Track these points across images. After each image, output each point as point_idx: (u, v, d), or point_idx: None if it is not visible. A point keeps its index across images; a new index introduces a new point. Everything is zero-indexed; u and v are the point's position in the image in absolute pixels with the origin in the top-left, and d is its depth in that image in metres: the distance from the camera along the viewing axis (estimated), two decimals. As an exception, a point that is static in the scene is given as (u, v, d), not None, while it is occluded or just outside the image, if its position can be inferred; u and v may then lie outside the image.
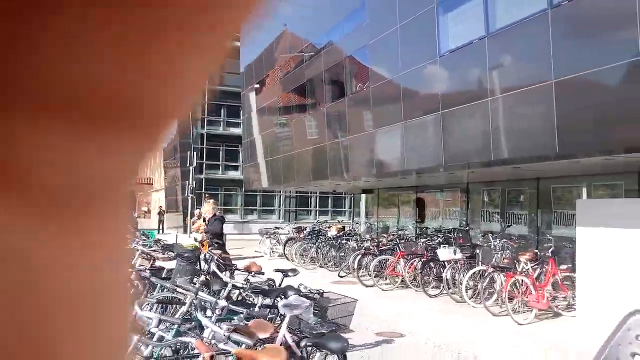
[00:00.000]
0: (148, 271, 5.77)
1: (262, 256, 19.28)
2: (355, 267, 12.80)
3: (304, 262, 16.27)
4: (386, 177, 14.32)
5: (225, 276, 6.71)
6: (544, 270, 9.55)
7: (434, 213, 16.52)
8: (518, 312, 9.19)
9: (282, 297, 5.05)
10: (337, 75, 14.91)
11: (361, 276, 12.75)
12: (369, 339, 7.68)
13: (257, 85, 25.74)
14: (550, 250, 9.64)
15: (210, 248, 9.15)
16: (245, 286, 6.10)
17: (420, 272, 11.41)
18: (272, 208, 35.66)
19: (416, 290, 11.71)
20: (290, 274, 7.18)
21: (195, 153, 31.49)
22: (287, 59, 18.94)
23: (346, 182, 16.77)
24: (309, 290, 7.06)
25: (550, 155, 8.14)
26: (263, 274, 7.58)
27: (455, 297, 10.65)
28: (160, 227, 34.33)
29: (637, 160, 8.45)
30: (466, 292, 10.21)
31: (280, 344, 3.99)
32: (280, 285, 6.75)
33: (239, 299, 5.85)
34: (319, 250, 15.72)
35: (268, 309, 4.99)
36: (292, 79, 18.67)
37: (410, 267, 11.96)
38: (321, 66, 15.65)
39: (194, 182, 31.36)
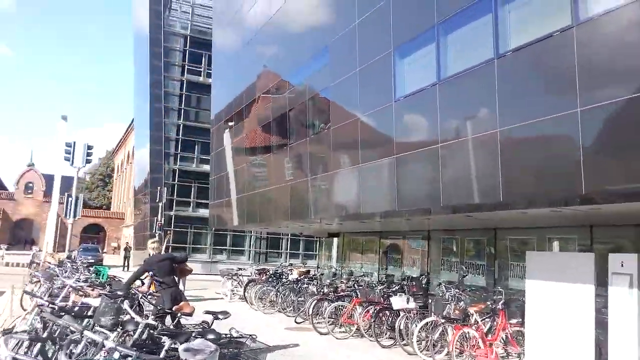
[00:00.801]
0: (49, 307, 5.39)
1: (222, 298, 18.73)
2: (311, 312, 12.37)
3: (263, 306, 15.79)
4: (345, 220, 14.07)
5: (137, 316, 6.28)
6: (494, 323, 9.27)
7: (396, 260, 16.24)
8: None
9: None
10: (301, 114, 14.83)
11: (317, 323, 12.32)
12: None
13: (231, 123, 25.63)
14: (500, 303, 9.37)
15: (157, 289, 8.74)
16: (158, 327, 5.70)
17: (374, 321, 11.04)
18: (242, 249, 35.05)
19: (370, 340, 11.29)
20: (220, 316, 6.81)
21: (165, 189, 31.03)
22: (260, 96, 18.84)
23: (308, 224, 16.47)
24: (241, 334, 6.69)
25: (495, 204, 8.00)
26: (190, 315, 7.19)
27: (408, 348, 10.26)
28: (126, 263, 33.41)
29: (584, 214, 8.35)
30: (418, 343, 9.84)
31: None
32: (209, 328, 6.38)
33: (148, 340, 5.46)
34: (278, 293, 15.27)
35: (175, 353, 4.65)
36: (263, 117, 18.52)
37: (366, 315, 11.60)
38: (286, 105, 15.59)
39: (162, 219, 30.89)
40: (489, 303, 9.86)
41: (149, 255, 8.85)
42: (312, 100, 14.08)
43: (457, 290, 10.74)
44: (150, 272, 8.59)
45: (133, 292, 9.17)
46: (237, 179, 20.69)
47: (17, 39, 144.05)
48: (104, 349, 3.90)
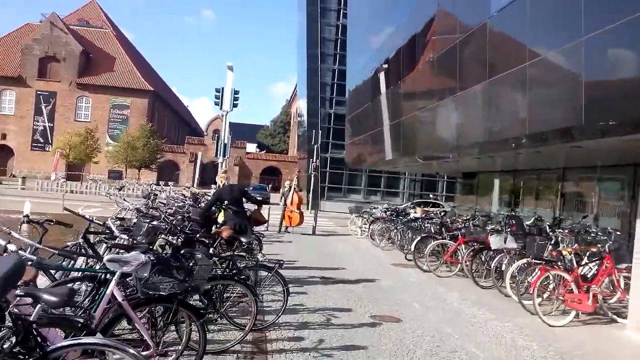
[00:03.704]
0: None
1: (349, 234, 19.14)
2: (413, 249, 12.05)
3: (383, 243, 15.80)
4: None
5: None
6: (595, 267, 8.05)
7: (528, 200, 14.81)
8: (553, 313, 7.88)
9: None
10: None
11: (419, 259, 12.00)
12: (357, 320, 7.20)
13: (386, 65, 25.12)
14: (607, 245, 8.06)
15: (227, 217, 9.20)
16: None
17: (471, 261, 10.36)
18: (396, 190, 35.02)
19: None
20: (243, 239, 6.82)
21: (320, 132, 32.06)
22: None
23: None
24: (268, 260, 6.82)
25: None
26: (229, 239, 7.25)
27: (505, 290, 9.45)
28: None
29: None
30: (512, 286, 9.02)
31: (108, 302, 3.90)
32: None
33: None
34: (396, 231, 15.10)
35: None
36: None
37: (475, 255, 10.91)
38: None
39: (318, 161, 32.03)
40: (599, 246, 8.56)
41: (219, 186, 9.29)
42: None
43: (560, 230, 9.46)
44: (225, 202, 8.97)
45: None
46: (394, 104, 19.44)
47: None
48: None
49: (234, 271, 6.09)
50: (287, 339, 6.13)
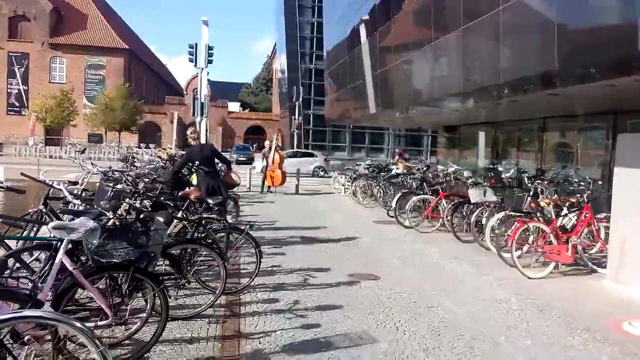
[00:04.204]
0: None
1: (333, 193, 18.99)
2: (394, 206, 11.93)
3: (365, 200, 15.69)
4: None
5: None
6: (575, 218, 7.98)
7: (509, 153, 14.69)
8: (533, 265, 7.85)
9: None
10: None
11: (400, 215, 11.89)
12: (334, 279, 7.09)
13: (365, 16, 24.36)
14: (585, 195, 7.96)
15: (199, 178, 8.90)
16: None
17: (451, 215, 10.27)
18: (380, 146, 34.83)
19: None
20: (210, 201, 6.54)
21: (302, 89, 31.48)
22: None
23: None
24: (237, 222, 6.60)
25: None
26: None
27: (486, 244, 9.39)
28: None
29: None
30: (490, 239, 8.96)
31: (57, 272, 3.67)
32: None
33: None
34: (378, 187, 14.96)
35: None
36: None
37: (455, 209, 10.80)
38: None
39: (300, 118, 31.60)
40: (578, 196, 8.48)
41: (190, 145, 8.96)
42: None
43: (538, 181, 9.35)
44: (196, 162, 8.64)
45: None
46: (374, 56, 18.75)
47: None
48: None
49: (203, 234, 5.90)
50: (262, 301, 5.99)
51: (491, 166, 12.36)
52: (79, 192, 6.30)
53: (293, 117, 31.66)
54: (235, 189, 17.38)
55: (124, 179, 6.42)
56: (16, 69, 56.27)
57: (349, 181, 18.04)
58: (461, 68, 11.16)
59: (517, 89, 8.93)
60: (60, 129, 51.45)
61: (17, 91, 56.62)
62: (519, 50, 9.03)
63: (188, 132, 8.93)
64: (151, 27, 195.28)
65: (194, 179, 9.94)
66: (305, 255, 8.50)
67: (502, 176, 10.79)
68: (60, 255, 3.63)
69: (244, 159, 33.89)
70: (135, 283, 3.94)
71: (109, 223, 4.28)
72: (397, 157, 19.00)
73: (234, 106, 71.58)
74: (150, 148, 29.62)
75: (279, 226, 11.37)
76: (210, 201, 6.41)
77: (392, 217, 12.54)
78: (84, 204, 5.25)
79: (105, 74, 58.21)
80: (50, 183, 5.86)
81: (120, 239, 3.86)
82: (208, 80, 73.35)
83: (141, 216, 4.43)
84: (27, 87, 56.32)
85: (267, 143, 19.35)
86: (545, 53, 8.05)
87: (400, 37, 15.32)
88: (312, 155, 28.91)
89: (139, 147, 27.31)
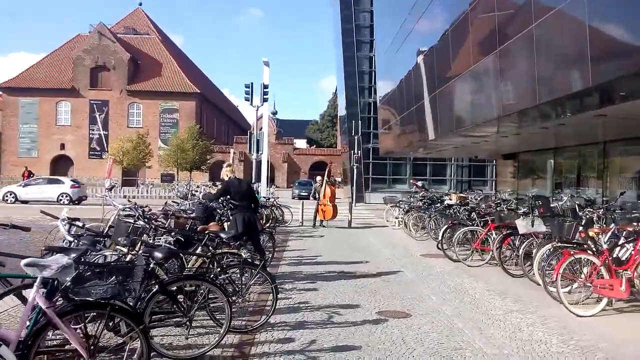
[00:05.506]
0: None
1: (386, 226, 18.54)
2: (440, 238, 11.40)
3: (417, 232, 15.17)
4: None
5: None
6: (630, 248, 7.22)
7: (570, 180, 13.74)
8: (582, 302, 7.14)
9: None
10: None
11: (447, 249, 11.36)
12: (361, 317, 6.74)
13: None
14: (641, 224, 7.21)
15: (232, 212, 8.91)
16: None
17: (499, 247, 9.64)
18: (443, 178, 33.91)
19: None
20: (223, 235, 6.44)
21: (360, 122, 31.42)
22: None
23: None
24: (251, 257, 6.45)
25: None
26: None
27: (535, 278, 8.69)
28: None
29: None
30: (539, 273, 8.28)
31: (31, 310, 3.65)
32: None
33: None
34: (429, 219, 14.43)
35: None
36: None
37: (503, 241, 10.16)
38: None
39: (360, 152, 31.46)
40: (635, 224, 7.70)
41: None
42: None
43: (590, 210, 8.57)
44: (228, 196, 8.64)
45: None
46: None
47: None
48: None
49: (218, 269, 5.79)
50: (276, 340, 5.74)
51: (539, 194, 11.57)
52: (102, 229, 6.40)
53: (352, 151, 31.57)
54: (287, 224, 17.52)
55: (137, 214, 6.47)
56: (97, 116, 60.17)
57: (402, 214, 17.56)
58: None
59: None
60: (136, 171, 54.10)
61: (97, 136, 60.40)
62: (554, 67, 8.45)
63: (224, 169, 8.90)
64: (223, 71, 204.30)
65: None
66: (337, 291, 8.19)
67: (552, 205, 10.05)
68: (34, 292, 3.60)
69: (305, 194, 34.07)
70: (115, 322, 3.85)
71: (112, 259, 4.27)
72: (414, 187, 18.88)
73: (301, 143, 72.84)
74: (208, 185, 30.36)
75: (320, 261, 11.12)
76: (223, 236, 6.32)
77: (439, 249, 12.01)
78: (77, 240, 5.28)
79: (179, 117, 61.00)
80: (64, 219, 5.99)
81: (103, 277, 3.80)
82: (277, 119, 75.51)
83: (140, 252, 4.37)
84: (107, 132, 59.98)
85: (318, 178, 19.34)
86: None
87: (446, 64, 14.93)
88: (58, 181, 30.12)
89: (198, 186, 28.05)
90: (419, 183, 20.22)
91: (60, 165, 59.95)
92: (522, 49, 9.16)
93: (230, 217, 8.83)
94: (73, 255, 3.82)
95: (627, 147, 11.38)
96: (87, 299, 3.67)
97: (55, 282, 3.62)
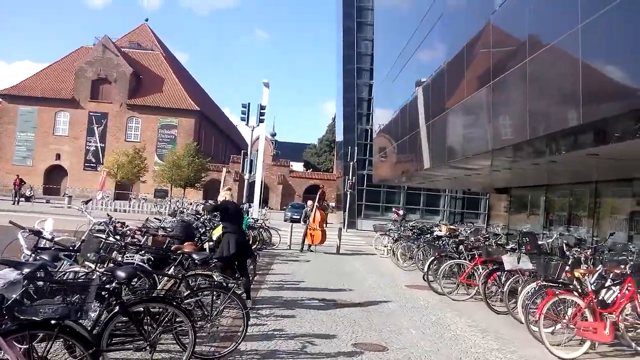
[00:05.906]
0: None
1: (375, 254, 18.32)
2: (426, 270, 11.21)
3: (405, 262, 14.96)
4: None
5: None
6: (614, 291, 7.05)
7: (560, 217, 13.62)
8: (565, 343, 6.93)
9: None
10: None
11: (432, 281, 11.15)
12: (335, 348, 6.51)
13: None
14: (628, 266, 7.05)
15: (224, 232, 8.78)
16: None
17: (484, 283, 9.45)
18: (436, 208, 33.75)
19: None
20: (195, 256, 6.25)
21: (356, 149, 31.42)
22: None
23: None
24: (224, 280, 6.24)
25: None
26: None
27: (519, 316, 8.49)
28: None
29: None
30: (523, 311, 8.08)
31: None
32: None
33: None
34: (417, 250, 14.22)
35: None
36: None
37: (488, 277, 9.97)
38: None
39: (354, 178, 31.38)
40: (622, 267, 7.53)
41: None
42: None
43: (577, 249, 8.42)
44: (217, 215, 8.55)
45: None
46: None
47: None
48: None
49: (188, 292, 5.58)
50: (244, 369, 5.52)
51: (528, 231, 11.43)
52: (73, 244, 6.20)
53: (347, 177, 31.49)
54: (274, 246, 17.28)
55: (106, 230, 6.29)
56: (95, 128, 60.11)
57: (391, 242, 17.35)
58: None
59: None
60: (130, 185, 53.83)
61: (94, 148, 60.24)
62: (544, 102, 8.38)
63: (221, 190, 8.91)
64: (226, 91, 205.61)
65: (215, 233, 9.81)
66: (315, 320, 7.96)
67: (540, 242, 9.89)
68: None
69: (298, 217, 33.82)
70: (71, 342, 3.64)
71: (81, 275, 4.09)
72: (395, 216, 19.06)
73: (298, 166, 72.83)
74: (196, 203, 30.09)
75: (303, 286, 10.89)
76: (195, 257, 6.12)
77: (426, 280, 11.80)
78: (35, 255, 5.08)
79: (177, 134, 60.97)
80: (37, 231, 5.79)
81: (54, 295, 3.61)
82: (275, 140, 75.80)
83: (96, 270, 4.18)
84: (104, 145, 59.85)
85: (309, 202, 19.17)
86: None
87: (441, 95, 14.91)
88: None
89: (190, 203, 27.83)
90: (400, 212, 20.21)
91: (54, 175, 59.63)
92: (514, 83, 9.12)
93: (222, 238, 8.64)
94: (26, 270, 3.63)
95: (619, 188, 11.29)
96: (34, 318, 3.47)
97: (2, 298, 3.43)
